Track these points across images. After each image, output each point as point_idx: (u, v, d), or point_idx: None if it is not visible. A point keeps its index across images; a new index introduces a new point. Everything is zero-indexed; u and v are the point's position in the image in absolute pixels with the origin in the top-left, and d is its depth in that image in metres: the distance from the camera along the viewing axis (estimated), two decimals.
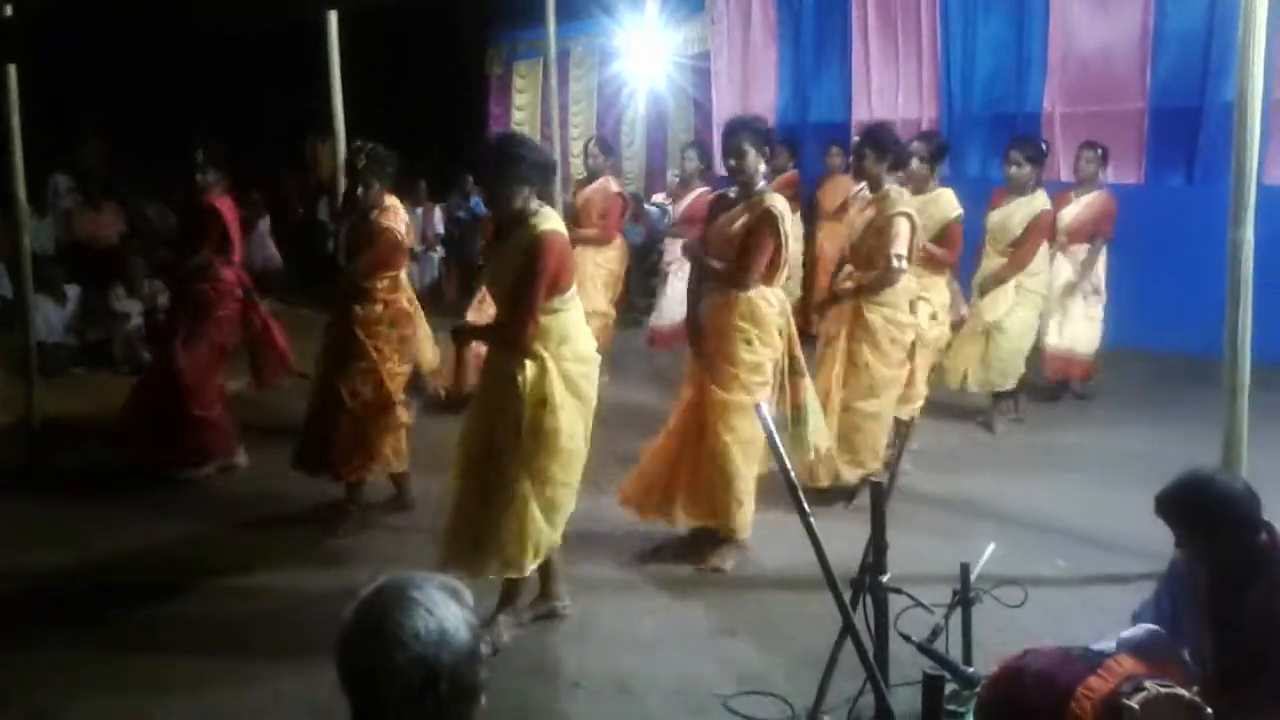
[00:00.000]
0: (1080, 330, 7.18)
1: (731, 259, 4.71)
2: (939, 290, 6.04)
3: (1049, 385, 7.53)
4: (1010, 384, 6.82)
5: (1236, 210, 4.05)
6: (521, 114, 14.24)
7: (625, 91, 13.13)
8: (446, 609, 1.71)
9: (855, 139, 5.63)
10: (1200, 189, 8.25)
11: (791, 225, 4.98)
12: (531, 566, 4.06)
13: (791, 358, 4.83)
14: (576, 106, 13.44)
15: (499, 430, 4.00)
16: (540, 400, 3.93)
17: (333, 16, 7.00)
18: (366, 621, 1.70)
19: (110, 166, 12.00)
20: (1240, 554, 2.90)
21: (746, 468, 4.73)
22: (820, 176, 9.82)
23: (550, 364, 3.95)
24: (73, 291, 9.47)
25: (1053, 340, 7.17)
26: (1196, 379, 6.66)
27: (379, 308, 5.29)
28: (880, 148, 5.39)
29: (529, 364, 3.93)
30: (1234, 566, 2.92)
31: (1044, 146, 7.04)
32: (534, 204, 3.99)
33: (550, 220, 3.99)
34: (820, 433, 4.97)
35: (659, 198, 11.14)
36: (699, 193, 8.00)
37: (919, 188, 6.02)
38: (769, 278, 4.75)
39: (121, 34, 10.89)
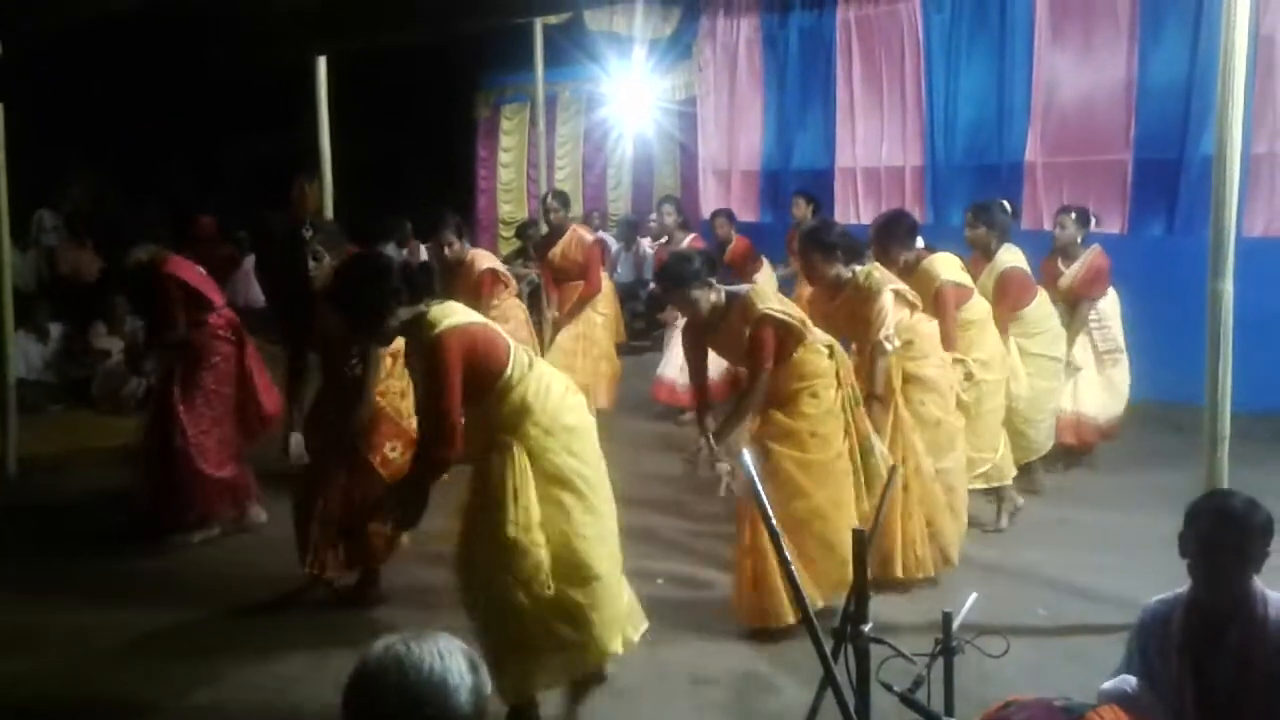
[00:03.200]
0: (1087, 394, 6.75)
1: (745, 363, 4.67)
2: (971, 348, 5.72)
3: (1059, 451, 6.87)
4: (1035, 456, 6.37)
5: (1216, 262, 4.07)
6: (507, 155, 14.35)
7: (612, 136, 13.23)
8: (455, 664, 1.71)
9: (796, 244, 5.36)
10: (1180, 240, 8.31)
11: (767, 278, 4.86)
12: (518, 695, 3.74)
13: (851, 388, 4.71)
14: (562, 150, 13.54)
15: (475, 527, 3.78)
16: (496, 498, 3.67)
17: (322, 59, 7.05)
18: (376, 654, 1.72)
19: (97, 205, 12.00)
20: (1235, 589, 2.88)
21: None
22: (790, 227, 9.77)
23: (511, 452, 3.69)
24: (54, 329, 9.42)
25: (1065, 405, 6.68)
26: (1176, 428, 6.69)
27: (388, 361, 5.01)
28: (826, 248, 5.03)
29: (493, 457, 3.71)
30: (1215, 608, 2.91)
31: (1006, 206, 6.54)
32: (420, 308, 3.74)
33: (448, 318, 3.72)
34: (885, 456, 4.77)
35: (646, 242, 11.21)
36: (689, 238, 8.26)
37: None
38: (791, 342, 4.62)
39: (112, 75, 10.94)
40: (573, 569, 3.76)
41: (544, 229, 8.41)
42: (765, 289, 4.76)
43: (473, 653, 1.76)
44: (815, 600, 4.40)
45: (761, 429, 4.66)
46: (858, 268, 5.05)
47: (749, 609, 4.56)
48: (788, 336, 4.58)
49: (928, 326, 5.29)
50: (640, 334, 10.95)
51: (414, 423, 4.78)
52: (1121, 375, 6.83)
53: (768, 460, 4.49)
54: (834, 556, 4.48)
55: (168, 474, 5.70)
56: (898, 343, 5.02)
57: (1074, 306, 6.70)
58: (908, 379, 5.12)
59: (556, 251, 7.86)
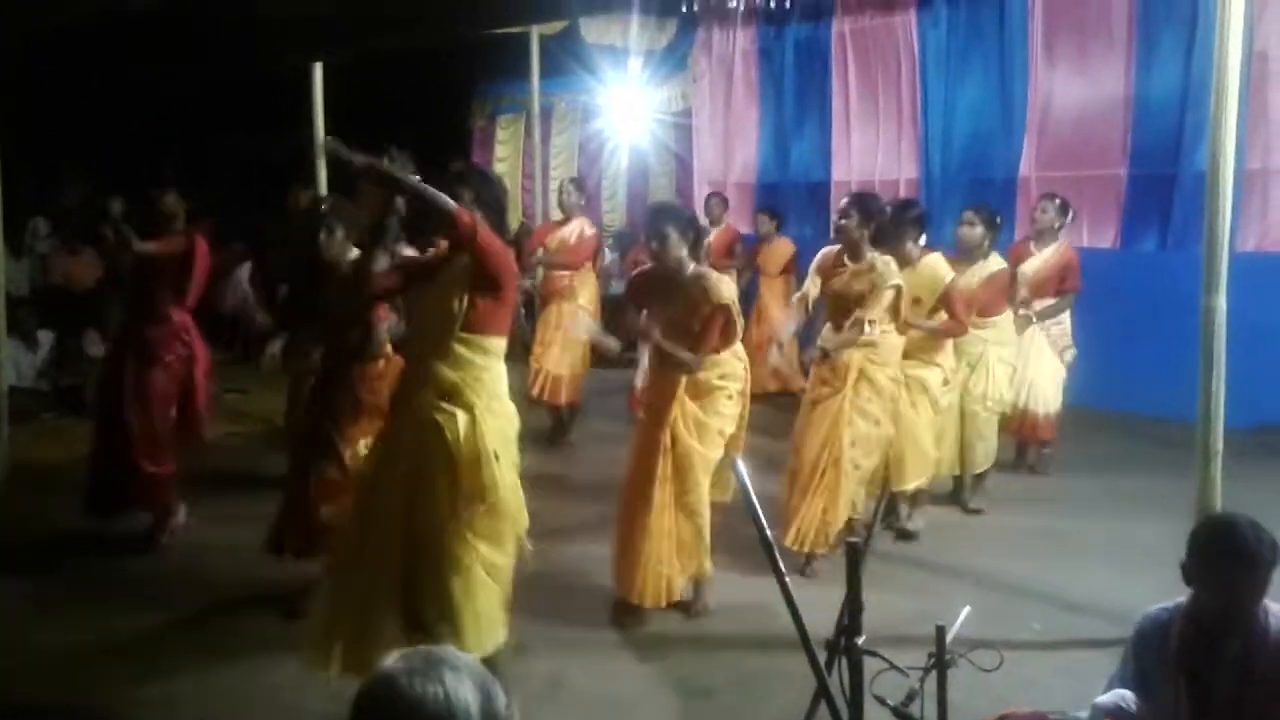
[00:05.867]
0: (1041, 387, 6.85)
1: (683, 338, 4.70)
2: (947, 355, 5.93)
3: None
4: (989, 464, 6.48)
5: (1210, 278, 4.08)
6: (502, 165, 14.35)
7: (607, 147, 13.25)
8: (463, 696, 1.59)
9: (843, 201, 5.52)
10: (1174, 255, 8.34)
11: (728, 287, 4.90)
12: (487, 649, 3.77)
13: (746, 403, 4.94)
14: (557, 160, 13.55)
15: (426, 493, 3.74)
16: (477, 458, 3.69)
17: (318, 68, 7.05)
18: (378, 687, 1.61)
19: (91, 213, 11.98)
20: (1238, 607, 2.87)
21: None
22: (755, 244, 9.82)
23: (484, 417, 3.74)
24: (45, 337, 9.39)
25: (1020, 401, 6.80)
26: (1169, 443, 6.70)
27: (381, 363, 4.98)
28: (866, 213, 5.29)
29: (460, 415, 3.70)
30: (1214, 618, 2.90)
31: (999, 219, 6.53)
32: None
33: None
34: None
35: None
36: None
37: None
38: (728, 341, 4.80)
39: (106, 82, 10.93)
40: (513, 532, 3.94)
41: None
42: (729, 283, 4.84)
43: (485, 673, 1.65)
44: (675, 584, 4.74)
45: (676, 419, 4.74)
46: (877, 256, 5.30)
47: (621, 579, 4.80)
48: (728, 333, 4.75)
49: (894, 339, 5.41)
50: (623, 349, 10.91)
51: None
52: (1062, 373, 6.93)
53: (675, 446, 4.70)
54: (701, 545, 4.78)
55: (121, 468, 5.70)
56: (876, 332, 5.20)
57: (1034, 296, 6.80)
58: (862, 377, 5.29)
59: (557, 237, 7.91)
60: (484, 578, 3.82)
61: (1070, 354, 6.90)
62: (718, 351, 4.76)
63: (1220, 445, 4.14)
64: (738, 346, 4.89)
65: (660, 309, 4.80)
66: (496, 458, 3.73)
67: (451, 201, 3.66)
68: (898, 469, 5.72)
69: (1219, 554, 2.84)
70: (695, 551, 4.80)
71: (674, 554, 4.75)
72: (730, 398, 4.81)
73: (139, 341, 5.75)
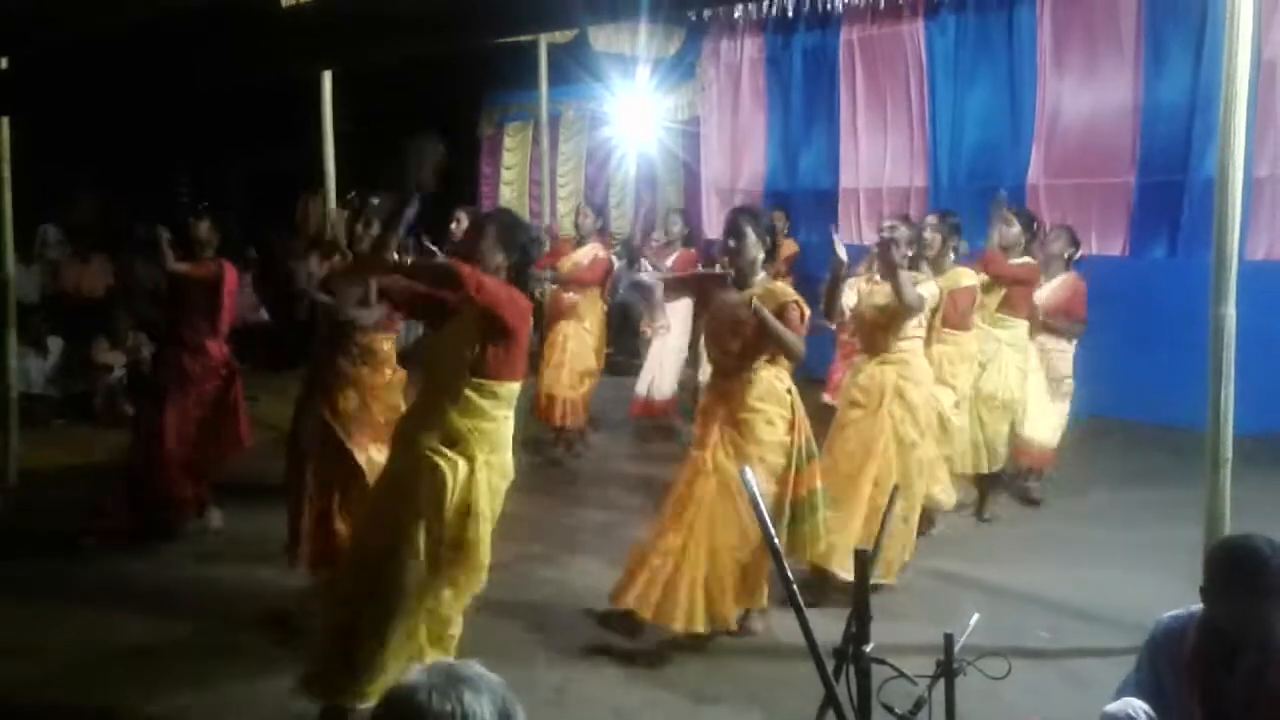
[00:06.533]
0: (1034, 417, 6.68)
1: (734, 345, 4.63)
2: (963, 377, 6.00)
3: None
4: (1000, 465, 6.46)
5: (1219, 286, 4.07)
6: (510, 173, 14.37)
7: (615, 155, 13.26)
8: (483, 712, 1.61)
9: (886, 224, 5.59)
10: (1182, 263, 8.32)
11: None
12: (367, 704, 3.68)
13: (805, 438, 4.69)
14: (565, 168, 13.56)
15: (410, 530, 3.75)
16: (465, 509, 3.68)
17: (327, 75, 7.06)
18: (400, 701, 1.62)
19: (103, 221, 12.03)
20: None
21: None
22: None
23: (480, 470, 3.72)
24: (55, 343, 9.43)
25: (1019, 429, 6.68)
26: (1178, 451, 6.68)
27: (387, 372, 5.01)
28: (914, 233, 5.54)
29: (461, 464, 3.69)
30: (1231, 633, 2.88)
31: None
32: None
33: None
34: (828, 519, 4.79)
35: (645, 264, 11.21)
36: (680, 254, 8.43)
37: (936, 267, 5.92)
38: (777, 358, 4.68)
39: (117, 89, 10.95)
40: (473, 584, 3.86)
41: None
42: None
43: (507, 694, 1.66)
44: (720, 612, 4.50)
45: (717, 445, 4.60)
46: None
47: (654, 605, 4.49)
48: (802, 321, 4.58)
49: (921, 359, 5.39)
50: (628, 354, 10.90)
51: None
52: (1064, 407, 6.77)
53: (716, 474, 4.53)
54: (744, 582, 4.56)
55: (149, 483, 5.89)
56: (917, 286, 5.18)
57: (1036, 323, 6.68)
58: (897, 396, 5.22)
59: (571, 259, 8.02)
60: (422, 630, 3.80)
61: (1068, 385, 6.73)
62: (773, 360, 4.62)
63: (1229, 453, 4.13)
64: (784, 371, 4.69)
65: (718, 309, 4.72)
66: (481, 515, 3.71)
67: (449, 263, 3.73)
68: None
69: (1239, 582, 2.81)
70: (755, 582, 4.64)
71: (723, 581, 4.54)
72: (770, 423, 4.58)
73: (179, 373, 5.96)
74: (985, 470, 6.41)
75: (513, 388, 3.82)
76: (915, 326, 5.35)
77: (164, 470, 5.89)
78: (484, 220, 4.01)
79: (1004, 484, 6.81)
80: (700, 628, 4.49)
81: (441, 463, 3.67)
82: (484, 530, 3.72)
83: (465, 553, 3.69)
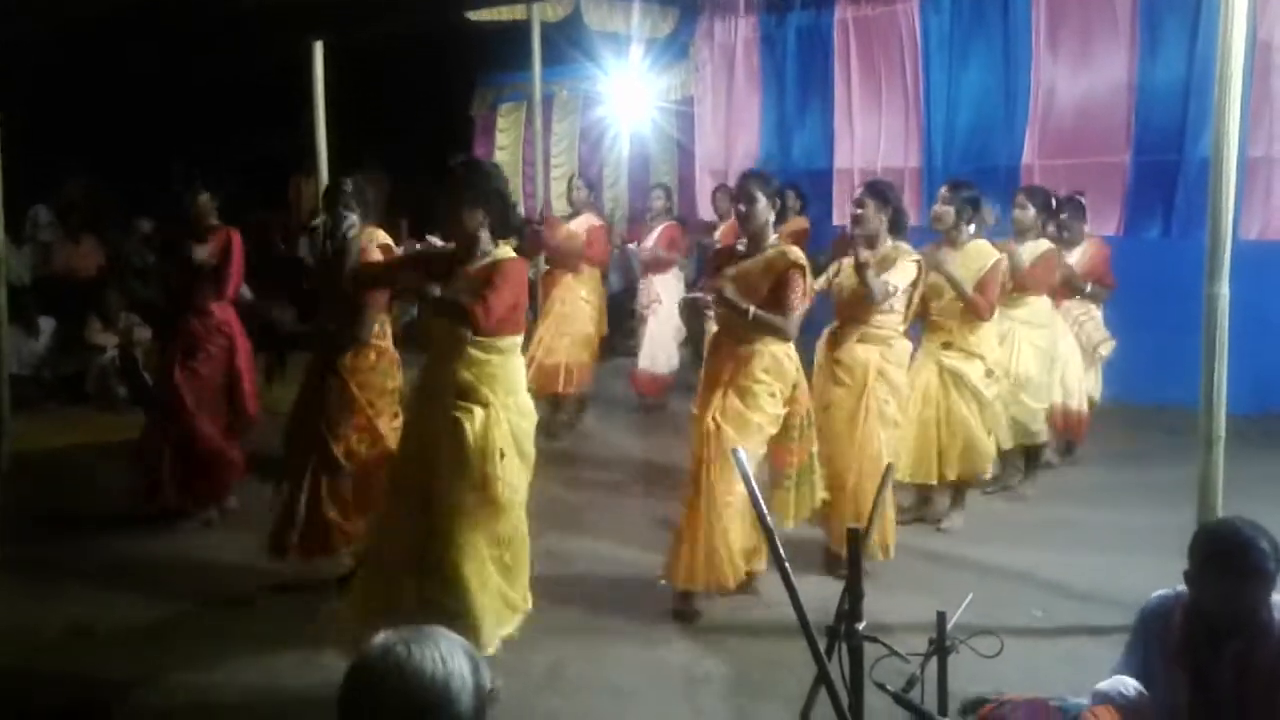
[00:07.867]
0: (1070, 383, 6.79)
1: (752, 299, 4.67)
2: (990, 346, 5.89)
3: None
4: (1009, 445, 6.40)
5: (1213, 265, 4.07)
6: (504, 154, 14.32)
7: (609, 135, 13.22)
8: (457, 666, 1.65)
9: (858, 191, 5.48)
10: (1177, 242, 8.31)
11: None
12: (493, 646, 3.85)
13: (807, 410, 4.86)
14: (558, 148, 13.52)
15: (440, 481, 3.84)
16: (486, 454, 3.79)
17: (318, 55, 7.01)
18: (375, 657, 1.65)
19: (93, 202, 11.96)
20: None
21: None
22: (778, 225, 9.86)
23: (499, 414, 3.83)
24: (46, 324, 9.39)
25: (1055, 397, 6.75)
26: (1171, 430, 6.70)
27: (371, 355, 4.98)
28: (882, 199, 5.24)
29: (477, 411, 3.80)
30: (1217, 618, 2.89)
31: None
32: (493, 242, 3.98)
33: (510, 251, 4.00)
34: (820, 482, 4.97)
35: (632, 248, 11.25)
36: (664, 226, 8.58)
37: (952, 242, 5.81)
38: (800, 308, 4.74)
39: (108, 71, 10.91)
40: (514, 529, 3.99)
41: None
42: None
43: (473, 650, 1.71)
44: (737, 567, 4.66)
45: (720, 413, 4.68)
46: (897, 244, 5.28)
47: (686, 569, 4.65)
48: (802, 292, 4.66)
49: (903, 340, 5.36)
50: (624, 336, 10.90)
51: (387, 423, 4.92)
52: (1092, 372, 6.95)
53: (718, 441, 4.60)
54: (733, 549, 4.66)
55: (186, 459, 5.89)
56: (894, 291, 5.12)
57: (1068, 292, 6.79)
58: (880, 376, 5.21)
59: (566, 230, 8.07)
60: (492, 571, 3.89)
61: (1107, 346, 6.90)
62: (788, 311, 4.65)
63: (1223, 432, 4.13)
64: (789, 346, 4.76)
65: (736, 270, 4.76)
66: (501, 455, 3.81)
67: (461, 305, 3.79)
68: (946, 460, 5.76)
69: (1220, 567, 2.82)
70: (754, 543, 4.76)
71: (741, 539, 4.70)
72: (773, 395, 4.69)
73: (185, 335, 5.96)
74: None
75: (515, 340, 3.96)
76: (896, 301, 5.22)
77: (200, 436, 5.89)
78: (450, 185, 4.02)
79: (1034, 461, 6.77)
80: (729, 585, 4.67)
81: (459, 415, 3.80)
82: (504, 470, 3.81)
83: (489, 492, 3.80)
